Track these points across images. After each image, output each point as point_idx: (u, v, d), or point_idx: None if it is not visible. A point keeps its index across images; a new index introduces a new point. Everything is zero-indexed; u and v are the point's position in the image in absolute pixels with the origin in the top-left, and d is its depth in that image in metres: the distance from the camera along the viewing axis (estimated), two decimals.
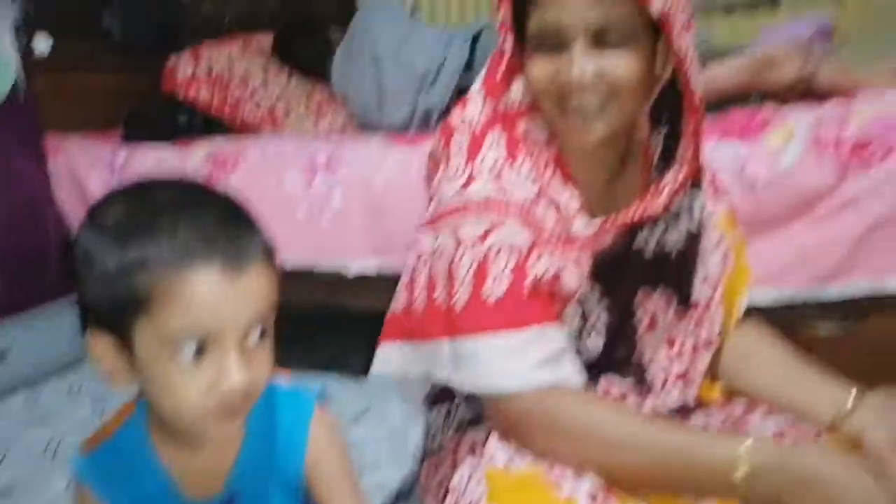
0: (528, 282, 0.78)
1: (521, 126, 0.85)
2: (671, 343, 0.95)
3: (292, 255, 1.65)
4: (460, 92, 1.87)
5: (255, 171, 1.73)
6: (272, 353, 0.69)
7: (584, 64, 0.76)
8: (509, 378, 0.76)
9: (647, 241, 0.92)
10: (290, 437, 0.75)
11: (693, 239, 0.95)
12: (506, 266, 0.78)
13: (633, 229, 0.89)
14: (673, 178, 0.85)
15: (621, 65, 0.78)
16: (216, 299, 0.62)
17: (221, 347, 0.63)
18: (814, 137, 1.25)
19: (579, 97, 0.79)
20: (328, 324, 2.17)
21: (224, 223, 0.65)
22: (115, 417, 0.76)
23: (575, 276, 0.83)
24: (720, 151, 1.29)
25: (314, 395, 0.78)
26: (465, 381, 0.79)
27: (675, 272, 0.95)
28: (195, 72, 2.19)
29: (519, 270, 0.78)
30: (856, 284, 1.24)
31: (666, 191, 0.85)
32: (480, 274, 0.78)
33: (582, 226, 0.85)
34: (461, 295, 0.78)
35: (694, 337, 0.96)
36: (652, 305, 0.94)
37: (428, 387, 1.02)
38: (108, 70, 2.27)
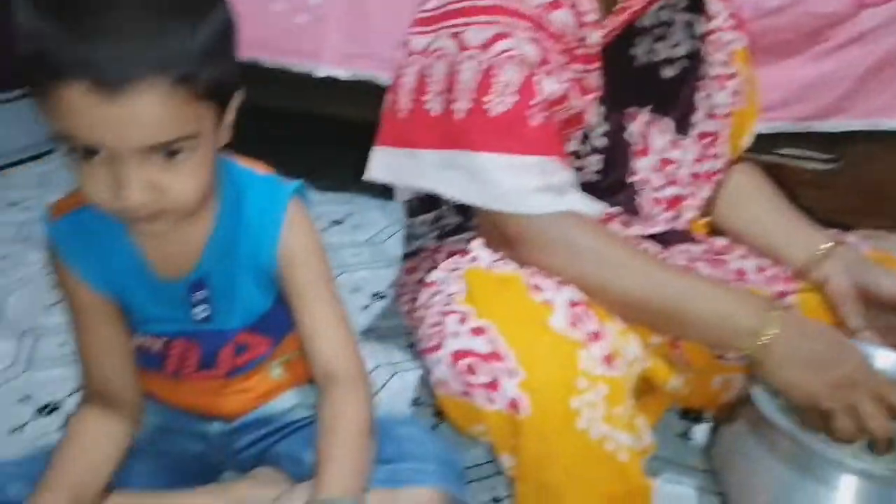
0: (535, 101, 0.72)
1: None
2: (665, 169, 0.93)
3: (266, 53, 1.55)
4: None
5: None
6: (202, 165, 0.62)
7: None
8: (512, 197, 0.72)
9: (638, 48, 0.89)
10: (262, 224, 0.72)
11: (692, 63, 0.92)
12: (513, 78, 0.72)
13: (626, 38, 0.85)
14: None
15: None
16: (85, 117, 0.55)
17: (115, 158, 0.57)
18: None
19: None
20: (306, 130, 2.12)
21: (135, 29, 0.55)
22: None
23: (581, 97, 0.79)
24: None
25: (291, 188, 0.74)
26: (462, 192, 0.75)
27: (668, 93, 0.92)
28: None
29: (526, 86, 0.72)
30: (849, 122, 1.22)
31: None
32: (484, 84, 0.72)
33: (596, 37, 0.80)
34: (461, 104, 0.73)
35: (693, 167, 0.95)
36: (642, 126, 0.92)
37: (412, 193, 1.00)
38: None
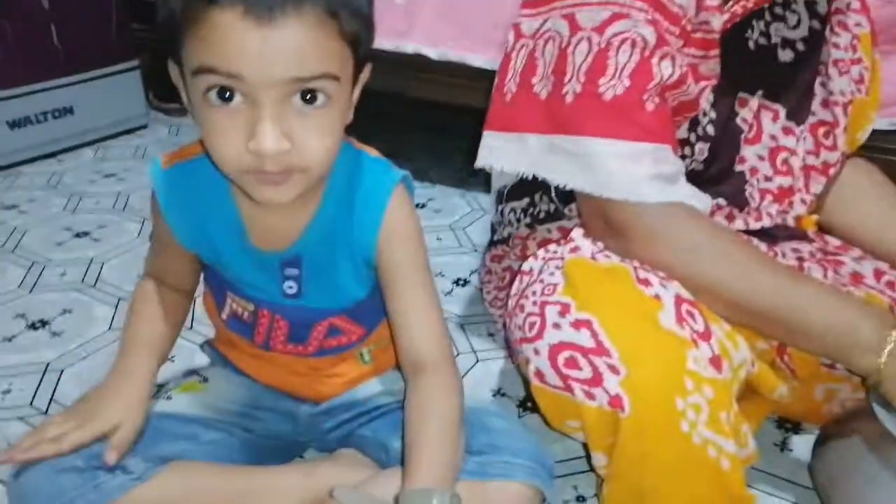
0: (652, 85, 0.69)
1: None
2: (775, 158, 0.88)
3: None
4: None
5: None
6: (334, 125, 0.61)
7: None
8: (622, 184, 0.68)
9: (753, 29, 0.83)
10: (367, 208, 0.71)
11: (811, 45, 0.86)
12: (628, 61, 0.69)
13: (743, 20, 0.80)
14: None
15: None
16: (234, 42, 0.55)
17: (253, 101, 0.57)
18: None
19: None
20: (387, 111, 2.11)
21: None
22: (200, 143, 0.70)
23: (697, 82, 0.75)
24: None
25: (399, 175, 0.72)
26: (570, 178, 0.71)
27: (783, 78, 0.87)
28: None
29: (642, 69, 0.68)
30: None
31: None
32: (597, 66, 0.69)
33: (719, 22, 0.75)
34: (572, 87, 0.70)
35: (806, 157, 0.90)
36: (752, 113, 0.86)
37: (506, 179, 0.98)
38: None
